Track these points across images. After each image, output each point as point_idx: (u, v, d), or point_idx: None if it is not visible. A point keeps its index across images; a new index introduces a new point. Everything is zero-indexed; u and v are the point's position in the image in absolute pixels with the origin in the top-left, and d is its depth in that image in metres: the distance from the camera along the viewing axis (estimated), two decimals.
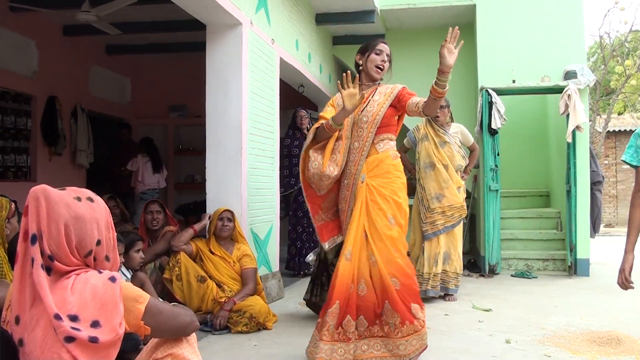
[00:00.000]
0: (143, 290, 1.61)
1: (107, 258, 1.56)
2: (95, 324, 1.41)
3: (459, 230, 4.87)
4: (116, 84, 8.53)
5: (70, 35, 7.02)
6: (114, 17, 5.73)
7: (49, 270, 1.45)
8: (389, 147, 3.21)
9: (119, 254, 2.85)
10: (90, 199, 1.55)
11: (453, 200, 4.76)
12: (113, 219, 1.63)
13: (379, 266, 2.94)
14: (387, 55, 3.25)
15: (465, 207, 4.88)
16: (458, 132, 4.98)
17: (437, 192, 4.78)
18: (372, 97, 3.22)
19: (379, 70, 3.23)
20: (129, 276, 3.46)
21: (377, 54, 3.22)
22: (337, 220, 3.38)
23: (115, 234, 1.62)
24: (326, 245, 3.35)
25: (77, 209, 1.49)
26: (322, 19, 6.75)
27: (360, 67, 3.30)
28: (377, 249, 2.97)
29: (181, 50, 7.70)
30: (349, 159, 3.20)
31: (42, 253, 1.44)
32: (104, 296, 1.44)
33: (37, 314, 1.40)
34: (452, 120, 5.06)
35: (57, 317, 1.37)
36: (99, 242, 1.53)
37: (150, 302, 1.53)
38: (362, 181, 3.13)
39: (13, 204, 2.88)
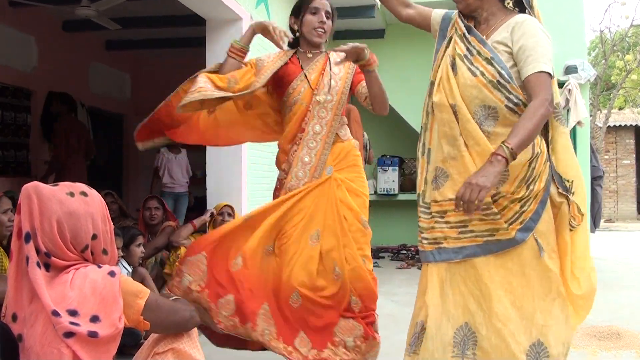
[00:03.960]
0: (143, 285, 1.61)
1: (104, 251, 1.56)
2: (94, 319, 1.40)
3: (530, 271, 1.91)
4: (116, 79, 8.51)
5: (69, 31, 7.00)
6: (114, 12, 5.72)
7: (47, 266, 1.44)
8: (348, 133, 2.69)
9: (117, 248, 2.85)
10: (84, 194, 1.54)
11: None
12: (111, 215, 1.62)
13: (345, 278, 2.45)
14: (328, 12, 2.62)
15: (521, 210, 1.91)
16: (506, 34, 1.99)
17: (437, 165, 2.03)
18: (329, 69, 2.62)
19: (321, 34, 2.61)
20: (130, 271, 3.47)
21: (313, 14, 2.59)
22: None
23: (113, 227, 1.62)
24: None
25: (70, 204, 1.48)
26: None
27: (297, 34, 2.70)
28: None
29: (181, 46, 7.66)
30: (307, 144, 2.60)
31: (38, 250, 1.44)
32: (104, 291, 1.44)
33: (37, 310, 1.40)
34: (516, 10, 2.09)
35: (55, 313, 1.37)
36: (94, 237, 1.52)
37: (150, 297, 1.53)
38: (327, 174, 2.56)
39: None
